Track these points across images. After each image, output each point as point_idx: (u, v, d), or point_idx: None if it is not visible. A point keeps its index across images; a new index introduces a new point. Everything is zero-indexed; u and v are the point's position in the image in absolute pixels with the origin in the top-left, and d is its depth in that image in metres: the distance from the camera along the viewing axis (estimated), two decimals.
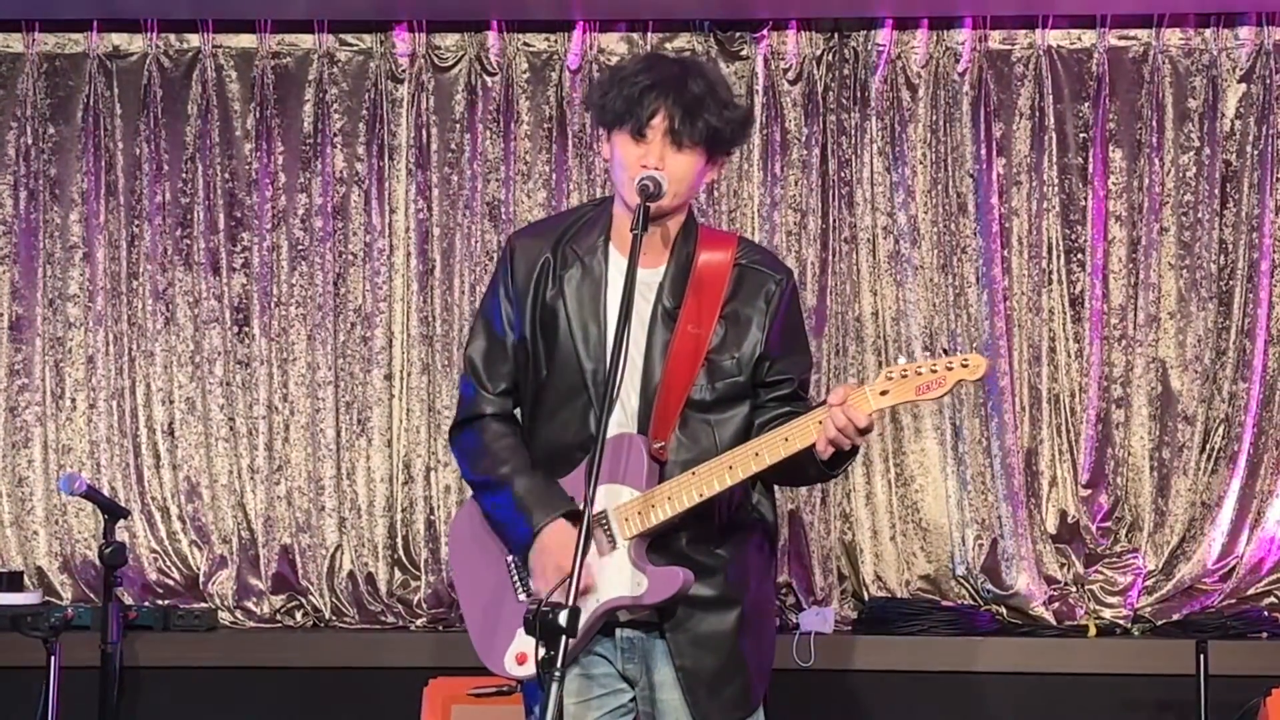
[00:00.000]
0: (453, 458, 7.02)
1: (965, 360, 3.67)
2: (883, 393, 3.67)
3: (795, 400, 3.93)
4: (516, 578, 3.85)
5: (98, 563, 6.43)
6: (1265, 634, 6.72)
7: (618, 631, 3.86)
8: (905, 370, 3.68)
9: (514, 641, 3.80)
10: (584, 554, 3.42)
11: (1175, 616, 6.90)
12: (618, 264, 3.84)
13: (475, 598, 3.93)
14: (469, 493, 7.13)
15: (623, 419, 3.81)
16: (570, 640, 3.32)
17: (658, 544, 3.80)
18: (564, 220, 4.01)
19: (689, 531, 3.81)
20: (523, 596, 3.81)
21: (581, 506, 3.66)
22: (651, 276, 3.86)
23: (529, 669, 3.69)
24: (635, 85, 3.77)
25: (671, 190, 3.77)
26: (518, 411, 3.99)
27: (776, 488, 4.06)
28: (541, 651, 3.32)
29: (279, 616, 7.12)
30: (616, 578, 3.76)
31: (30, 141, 7.27)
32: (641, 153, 3.76)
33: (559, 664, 3.30)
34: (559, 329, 3.86)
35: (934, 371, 3.66)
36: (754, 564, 3.93)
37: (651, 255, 3.85)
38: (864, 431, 3.65)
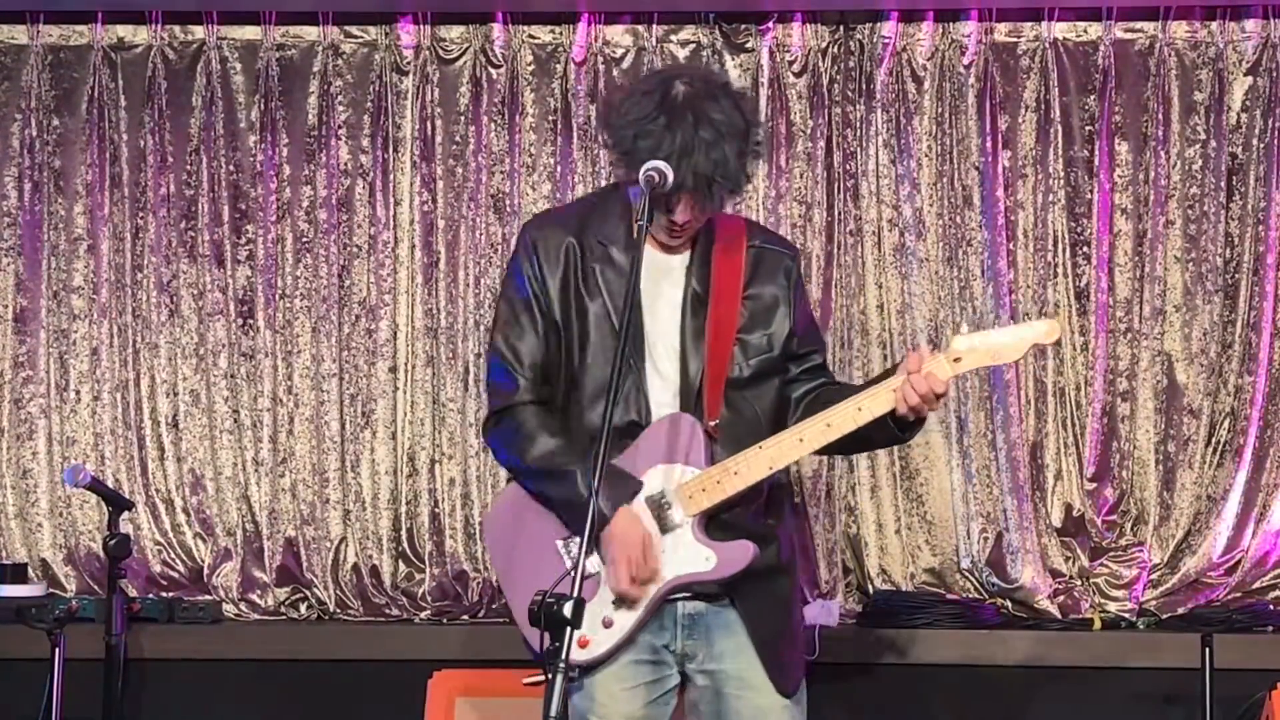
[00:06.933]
0: (457, 450, 7.09)
1: (1036, 327, 3.85)
2: (956, 359, 3.84)
3: (823, 371, 4.11)
4: (567, 560, 3.87)
5: (102, 555, 6.41)
6: (1271, 628, 6.70)
7: (679, 606, 3.93)
8: (975, 342, 3.86)
9: None
10: (587, 545, 3.43)
11: (1180, 610, 6.90)
12: (647, 253, 3.89)
13: (522, 586, 3.91)
14: (473, 486, 7.19)
15: (668, 400, 3.91)
16: (575, 630, 3.34)
17: (718, 519, 3.89)
18: (578, 209, 4.12)
19: (744, 505, 3.93)
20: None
21: (644, 484, 3.84)
22: (679, 261, 3.99)
23: (590, 652, 3.80)
24: (655, 150, 3.76)
25: (695, 228, 3.91)
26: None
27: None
28: (547, 643, 3.33)
29: (283, 609, 7.11)
30: (685, 555, 3.86)
31: (35, 133, 7.26)
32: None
33: (564, 655, 3.30)
34: (593, 318, 3.94)
35: (1004, 340, 3.86)
36: (793, 527, 4.12)
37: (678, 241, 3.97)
38: (940, 397, 3.85)
